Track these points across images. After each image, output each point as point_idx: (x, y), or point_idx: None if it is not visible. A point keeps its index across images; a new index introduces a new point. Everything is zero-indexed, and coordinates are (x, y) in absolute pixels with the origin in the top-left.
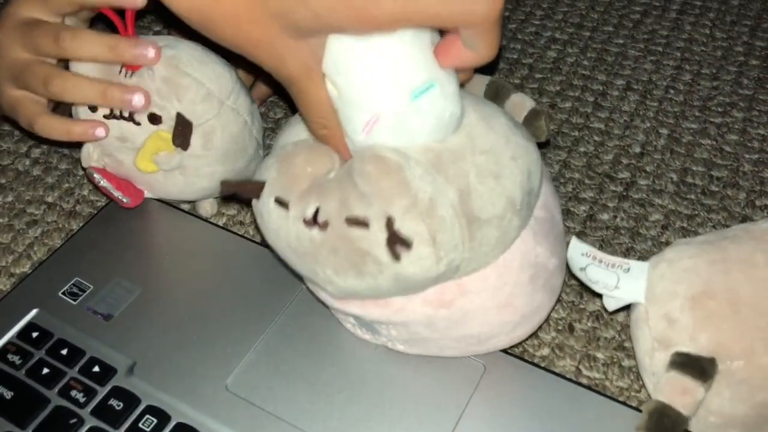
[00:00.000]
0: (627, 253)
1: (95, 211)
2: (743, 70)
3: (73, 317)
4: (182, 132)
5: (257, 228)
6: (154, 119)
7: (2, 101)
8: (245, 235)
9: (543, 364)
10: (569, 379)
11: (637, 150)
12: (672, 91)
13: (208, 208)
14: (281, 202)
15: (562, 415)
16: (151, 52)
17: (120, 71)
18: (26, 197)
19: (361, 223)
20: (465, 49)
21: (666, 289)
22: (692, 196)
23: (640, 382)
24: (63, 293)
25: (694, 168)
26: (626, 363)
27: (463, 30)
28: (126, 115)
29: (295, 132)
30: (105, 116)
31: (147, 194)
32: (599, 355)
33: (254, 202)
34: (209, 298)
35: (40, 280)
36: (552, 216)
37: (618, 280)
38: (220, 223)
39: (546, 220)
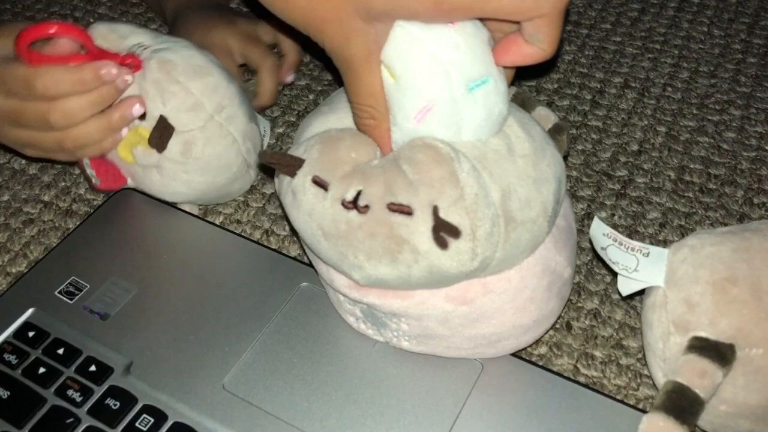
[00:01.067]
0: None
1: (92, 210)
2: (741, 68)
3: (69, 316)
4: (160, 134)
5: (284, 215)
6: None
7: (10, 143)
8: (242, 233)
9: (541, 363)
10: (567, 378)
11: (635, 148)
12: (670, 89)
13: (186, 209)
14: (319, 183)
15: (559, 413)
16: (121, 79)
17: None
18: (22, 196)
19: (405, 210)
20: (527, 45)
21: (687, 273)
22: (690, 194)
23: (638, 381)
24: (59, 292)
25: (692, 166)
26: (624, 361)
27: (527, 24)
28: None
29: (324, 123)
30: None
31: (130, 183)
32: (597, 353)
33: (284, 180)
34: (206, 297)
35: (36, 280)
36: (569, 225)
37: (638, 263)
38: (217, 222)
39: (565, 229)
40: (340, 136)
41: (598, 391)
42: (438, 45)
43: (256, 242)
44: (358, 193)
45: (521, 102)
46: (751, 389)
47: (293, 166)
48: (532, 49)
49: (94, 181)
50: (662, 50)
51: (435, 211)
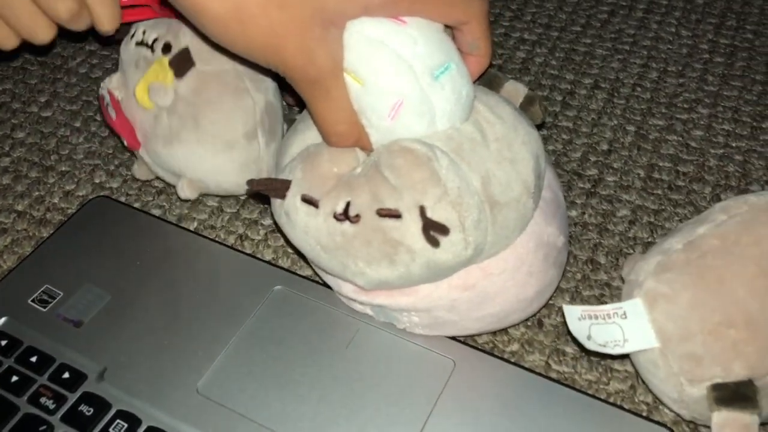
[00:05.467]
0: (595, 248)
1: (66, 219)
2: (708, 68)
3: (42, 324)
4: (181, 61)
5: (278, 230)
6: (167, 48)
7: None
8: (216, 238)
9: (513, 359)
10: (539, 374)
11: (605, 147)
12: (639, 89)
13: (185, 187)
14: (309, 201)
15: (532, 408)
16: None
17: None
18: None
19: (394, 214)
20: (468, 56)
21: (679, 328)
22: (659, 192)
23: (609, 375)
24: (32, 300)
25: (661, 164)
26: (595, 357)
27: (465, 31)
28: (149, 42)
29: (302, 141)
30: (136, 43)
31: (142, 152)
32: (568, 349)
33: (277, 202)
34: (180, 303)
35: (9, 288)
36: (556, 195)
37: (623, 332)
38: (191, 228)
39: (552, 200)
40: (318, 151)
41: (569, 386)
42: (397, 43)
43: (230, 247)
44: (348, 205)
45: (488, 82)
46: None
47: (281, 189)
48: (473, 58)
49: (110, 113)
50: (631, 51)
51: (422, 211)
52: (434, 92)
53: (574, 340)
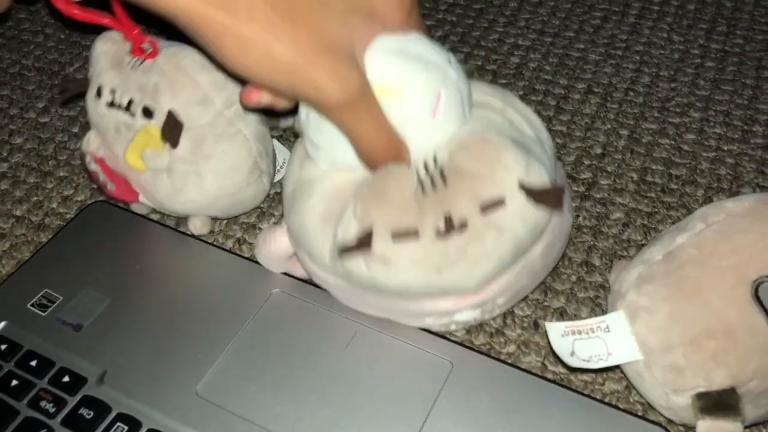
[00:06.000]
0: (589, 251)
1: (64, 224)
2: (700, 72)
3: (42, 328)
4: (171, 128)
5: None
6: (147, 113)
7: None
8: (214, 242)
9: (510, 361)
10: (535, 374)
11: (599, 151)
12: (632, 93)
13: (198, 224)
14: (405, 233)
15: (528, 409)
16: None
17: (129, 61)
18: None
19: (498, 203)
20: None
21: (660, 341)
22: (652, 194)
23: (604, 376)
24: (32, 305)
25: (654, 167)
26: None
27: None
28: (123, 104)
29: (325, 189)
30: (107, 104)
31: (141, 198)
32: None
33: (359, 259)
34: (178, 306)
35: (8, 293)
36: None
37: (607, 346)
38: (189, 232)
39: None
40: (379, 185)
41: (565, 387)
42: (415, 47)
43: (229, 251)
44: (447, 218)
45: None
46: (759, 408)
47: (367, 244)
48: None
49: (109, 187)
50: (624, 56)
51: (523, 188)
52: (456, 77)
53: (557, 358)
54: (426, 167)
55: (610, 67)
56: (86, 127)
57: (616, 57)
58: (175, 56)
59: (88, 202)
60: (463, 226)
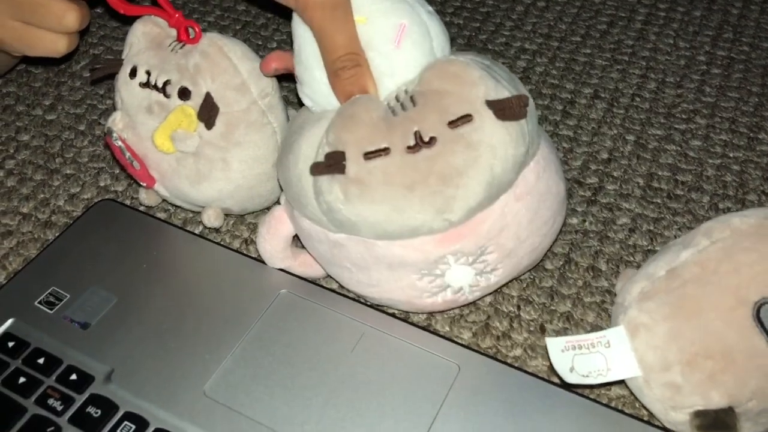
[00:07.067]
0: (596, 256)
1: (71, 221)
2: (706, 79)
3: (49, 326)
4: (210, 111)
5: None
6: (184, 94)
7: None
8: (221, 242)
9: (516, 364)
10: (542, 378)
11: (605, 156)
12: (638, 99)
13: (212, 216)
14: (376, 152)
15: (535, 412)
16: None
17: (170, 44)
18: (1, 208)
19: (466, 119)
20: None
21: (658, 358)
22: (658, 200)
23: None
24: (39, 303)
25: (660, 173)
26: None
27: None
28: (159, 85)
29: (313, 135)
30: (140, 84)
31: (157, 186)
32: None
33: (335, 183)
34: (186, 306)
35: (15, 290)
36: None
37: (606, 360)
38: (196, 231)
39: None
40: (348, 112)
41: (571, 391)
42: None
43: (236, 251)
44: (417, 133)
45: None
46: (757, 425)
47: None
48: None
49: (134, 165)
50: (630, 62)
51: (489, 103)
52: (431, 22)
53: (555, 374)
54: (397, 98)
55: (617, 72)
56: (92, 124)
57: (622, 62)
58: (219, 40)
59: (95, 200)
60: (432, 139)
